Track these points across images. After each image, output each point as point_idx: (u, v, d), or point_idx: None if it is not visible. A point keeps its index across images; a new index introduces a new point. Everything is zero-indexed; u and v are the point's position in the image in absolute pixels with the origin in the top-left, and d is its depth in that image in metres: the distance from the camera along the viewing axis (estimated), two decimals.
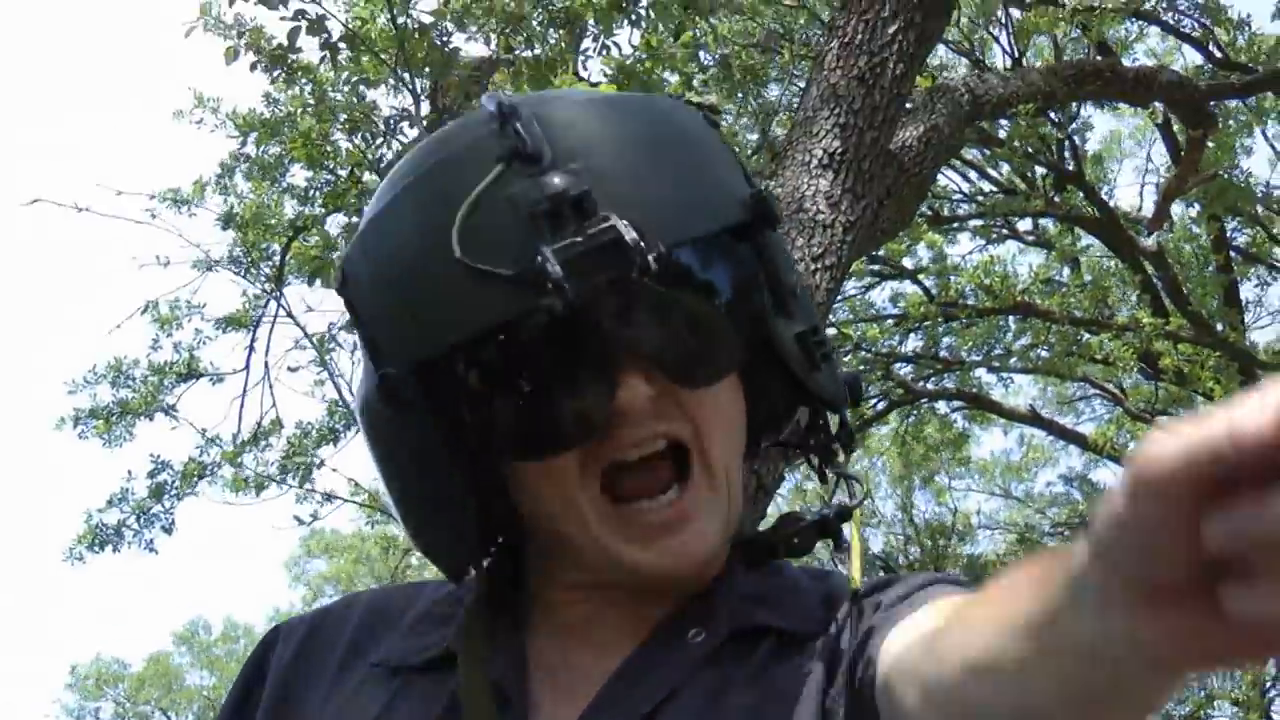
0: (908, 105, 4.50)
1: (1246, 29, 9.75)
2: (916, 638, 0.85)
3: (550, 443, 0.94)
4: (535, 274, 0.86)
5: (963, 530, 16.48)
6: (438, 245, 0.90)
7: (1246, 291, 12.52)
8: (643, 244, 0.87)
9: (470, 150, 0.94)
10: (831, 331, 10.00)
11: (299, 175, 7.54)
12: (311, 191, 7.34)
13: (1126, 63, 9.09)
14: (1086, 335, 10.65)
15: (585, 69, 5.96)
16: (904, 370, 11.87)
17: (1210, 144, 8.67)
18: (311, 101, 6.67)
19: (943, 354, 11.73)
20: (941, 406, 12.97)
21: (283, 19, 5.27)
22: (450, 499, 0.98)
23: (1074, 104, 10.21)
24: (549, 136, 0.92)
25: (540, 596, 1.06)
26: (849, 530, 1.04)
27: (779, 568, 1.07)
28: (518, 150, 0.91)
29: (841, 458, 1.09)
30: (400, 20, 5.54)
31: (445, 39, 5.76)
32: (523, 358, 0.93)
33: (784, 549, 1.03)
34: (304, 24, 5.26)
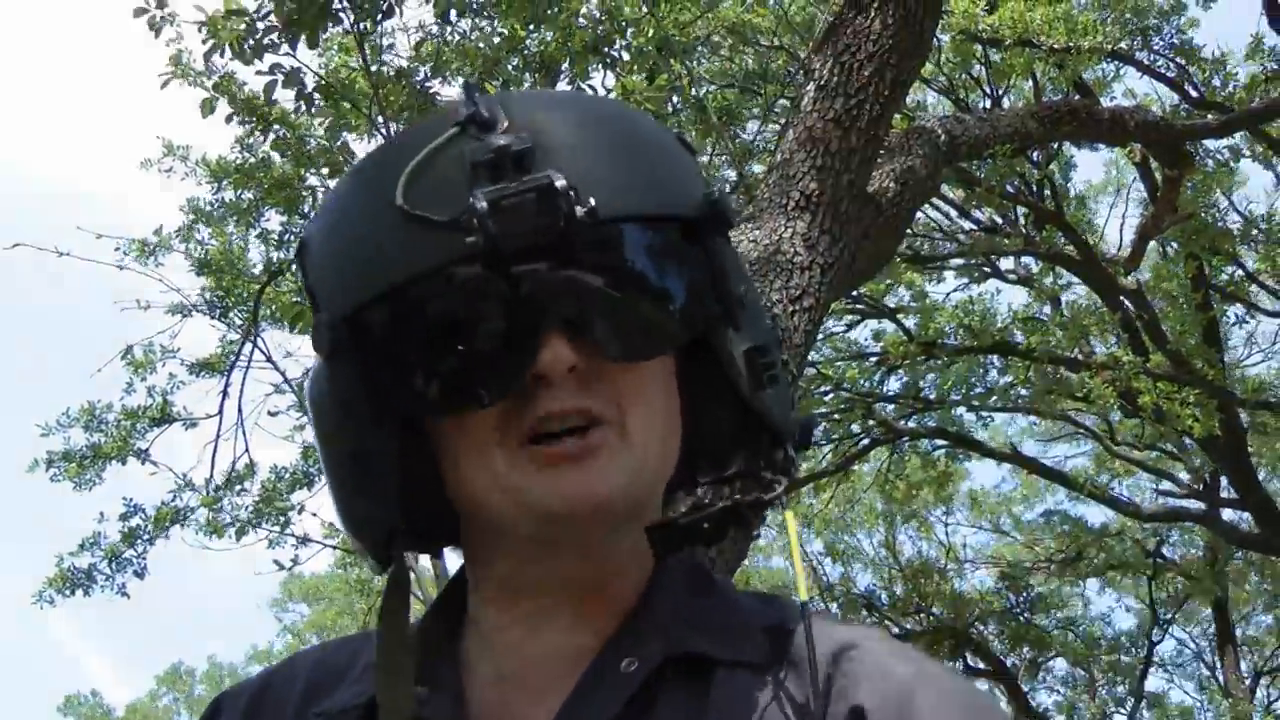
0: (885, 147, 4.49)
1: (1222, 69, 9.83)
2: None
3: (468, 395, 0.94)
4: (465, 219, 0.88)
5: (947, 566, 16.44)
6: (383, 197, 0.92)
7: (1240, 331, 12.62)
8: (573, 193, 0.88)
9: (431, 123, 0.97)
10: (811, 372, 10.00)
11: (274, 220, 7.55)
12: (286, 236, 7.33)
13: (1105, 103, 9.15)
14: (1067, 374, 10.66)
15: None
16: (886, 409, 11.88)
17: (1189, 184, 8.71)
18: (289, 146, 6.65)
19: (925, 393, 11.73)
20: (924, 444, 12.99)
21: (259, 73, 5.26)
22: (374, 456, 0.98)
23: (1053, 144, 10.28)
24: (508, 109, 0.95)
25: (477, 618, 1.04)
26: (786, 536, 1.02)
27: (719, 588, 1.05)
28: (474, 116, 0.94)
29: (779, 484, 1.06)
30: (374, 67, 5.53)
31: (421, 84, 5.75)
32: (452, 310, 0.93)
33: (697, 535, 1.01)
34: (280, 78, 5.24)
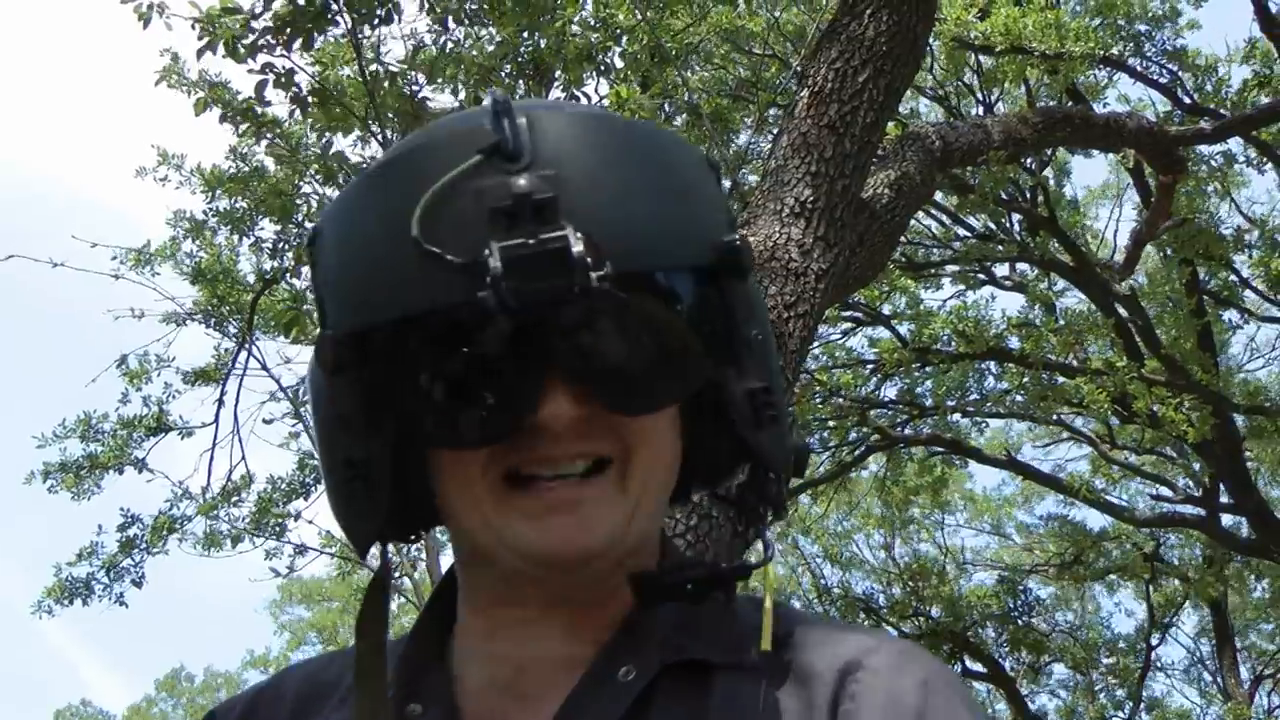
0: (879, 153, 4.50)
1: (1214, 74, 9.85)
2: None
3: (462, 438, 0.94)
4: (479, 267, 0.86)
5: (945, 570, 16.42)
6: (399, 222, 0.90)
7: (1242, 335, 12.63)
8: (589, 260, 0.86)
9: (456, 138, 0.94)
10: (805, 378, 10.00)
11: (268, 228, 7.56)
12: (280, 244, 7.35)
13: (1098, 109, 9.16)
14: (1061, 379, 10.67)
15: None
16: (881, 416, 11.88)
17: (1183, 189, 8.72)
18: (285, 151, 6.66)
19: (921, 399, 11.74)
20: (920, 450, 13.00)
21: (250, 72, 5.25)
22: (368, 464, 0.98)
23: (1047, 150, 10.29)
24: (534, 139, 0.92)
25: (467, 625, 1.05)
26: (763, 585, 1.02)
27: (714, 596, 1.03)
28: (499, 145, 0.91)
29: (770, 519, 1.07)
30: (371, 68, 5.53)
31: (414, 89, 5.76)
32: (457, 350, 0.92)
33: (679, 593, 0.99)
34: (271, 77, 5.24)
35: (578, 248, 0.86)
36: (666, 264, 0.95)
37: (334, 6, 5.08)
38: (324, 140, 6.23)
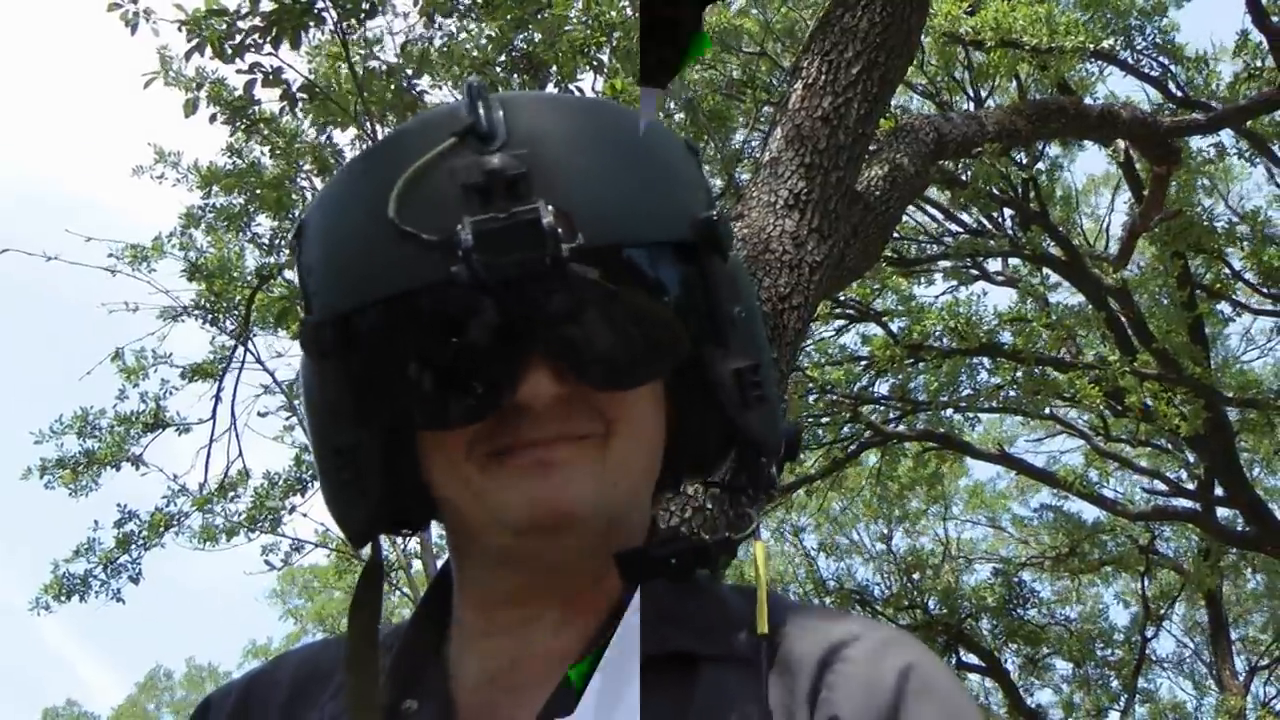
0: (872, 145, 4.51)
1: (1205, 67, 9.88)
2: None
3: (443, 419, 0.94)
4: (452, 242, 0.88)
5: (940, 563, 16.44)
6: (377, 205, 0.92)
7: (1237, 326, 12.65)
8: (560, 231, 0.87)
9: (433, 125, 0.96)
10: (797, 375, 10.02)
11: (264, 224, 7.58)
12: (277, 240, 7.36)
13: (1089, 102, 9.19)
14: (1054, 373, 10.69)
15: None
16: (873, 411, 11.89)
17: (1174, 182, 8.75)
18: (281, 144, 6.67)
19: (915, 394, 11.75)
20: (914, 445, 13.02)
21: (239, 72, 5.27)
22: (358, 452, 0.99)
23: (1040, 144, 10.32)
24: (509, 121, 0.93)
25: (462, 621, 1.05)
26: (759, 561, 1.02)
27: (702, 585, 1.04)
28: (473, 127, 0.93)
29: (758, 495, 1.08)
30: (368, 64, 5.53)
31: (409, 83, 5.76)
32: (436, 329, 0.92)
33: (661, 569, 0.99)
34: (260, 76, 5.25)
35: (548, 219, 0.87)
36: (641, 238, 0.95)
37: (320, 4, 5.10)
38: (327, 135, 6.24)
